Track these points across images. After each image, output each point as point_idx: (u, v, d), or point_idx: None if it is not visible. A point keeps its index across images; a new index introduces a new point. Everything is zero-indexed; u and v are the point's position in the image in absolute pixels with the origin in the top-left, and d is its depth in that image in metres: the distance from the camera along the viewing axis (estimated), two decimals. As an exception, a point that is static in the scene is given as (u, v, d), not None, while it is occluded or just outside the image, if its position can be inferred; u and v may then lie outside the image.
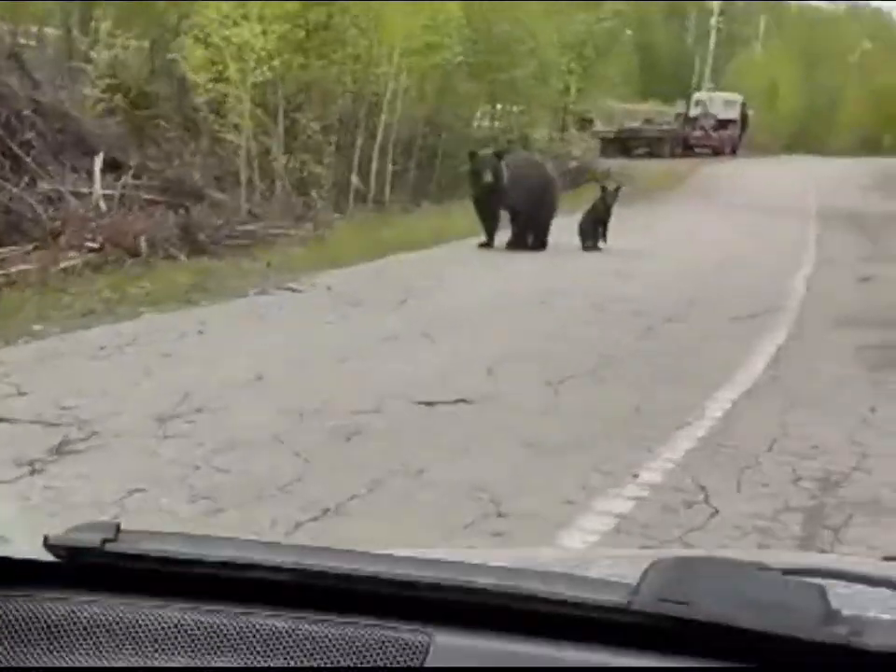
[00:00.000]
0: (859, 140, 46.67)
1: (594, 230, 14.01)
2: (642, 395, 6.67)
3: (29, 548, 1.22)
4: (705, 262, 12.94)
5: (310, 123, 18.19)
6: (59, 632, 1.16)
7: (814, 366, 7.73)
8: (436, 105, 21.68)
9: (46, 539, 1.23)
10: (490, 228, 13.67)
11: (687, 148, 39.68)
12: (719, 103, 42.12)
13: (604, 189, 14.62)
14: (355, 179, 18.53)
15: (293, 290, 9.77)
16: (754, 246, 14.64)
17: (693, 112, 41.57)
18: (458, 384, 6.67)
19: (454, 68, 20.79)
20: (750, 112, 43.70)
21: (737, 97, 42.76)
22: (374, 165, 19.13)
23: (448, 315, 8.97)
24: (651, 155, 36.50)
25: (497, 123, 25.92)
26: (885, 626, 1.16)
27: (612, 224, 14.02)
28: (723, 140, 40.79)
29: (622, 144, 37.09)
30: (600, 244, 13.97)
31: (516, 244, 13.71)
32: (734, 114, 41.70)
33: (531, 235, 13.88)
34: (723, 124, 41.01)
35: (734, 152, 41.04)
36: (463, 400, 6.30)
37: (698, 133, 40.53)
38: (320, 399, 6.14)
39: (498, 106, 26.05)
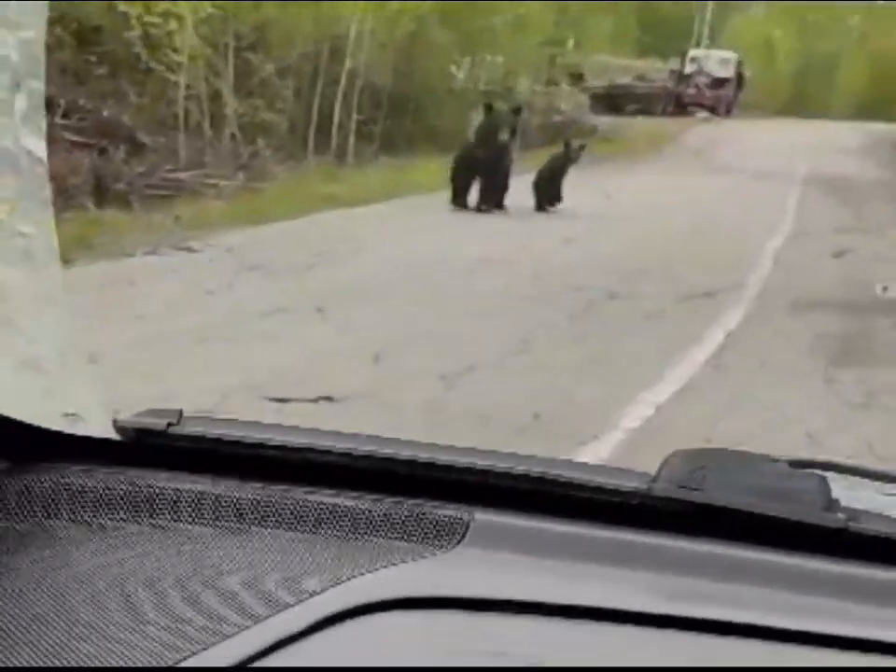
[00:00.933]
0: (857, 104, 45.37)
1: (549, 187, 12.92)
2: (552, 395, 5.60)
3: (101, 428, 1.34)
4: (671, 229, 11.84)
5: (264, 65, 17.04)
6: (122, 503, 1.25)
7: (764, 359, 6.66)
8: (406, 53, 20.44)
9: (115, 421, 1.35)
10: (467, 187, 12.71)
11: (680, 107, 38.38)
12: (714, 61, 40.70)
13: (567, 144, 13.52)
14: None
15: (190, 250, 8.68)
16: (729, 212, 13.56)
17: (688, 69, 40.22)
18: (332, 374, 5.61)
19: (425, 12, 19.60)
20: (747, 73, 42.35)
21: (733, 56, 41.35)
22: (337, 115, 18.01)
23: (356, 285, 7.91)
24: (642, 112, 35.29)
25: (477, 74, 24.72)
26: (881, 515, 1.27)
27: (582, 184, 12.95)
28: (718, 99, 39.45)
29: (612, 100, 35.82)
30: (556, 205, 12.88)
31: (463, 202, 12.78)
32: (729, 73, 40.31)
33: (486, 195, 12.83)
34: (719, 83, 39.64)
35: (728, 112, 39.70)
36: (327, 398, 5.23)
37: (692, 91, 39.20)
38: (152, 389, 5.06)
39: (477, 57, 24.82)
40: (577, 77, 32.89)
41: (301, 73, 17.87)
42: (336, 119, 17.94)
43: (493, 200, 12.69)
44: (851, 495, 1.30)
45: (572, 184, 13.16)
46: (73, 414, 1.37)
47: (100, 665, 0.99)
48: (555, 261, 9.41)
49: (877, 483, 1.44)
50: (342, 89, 17.96)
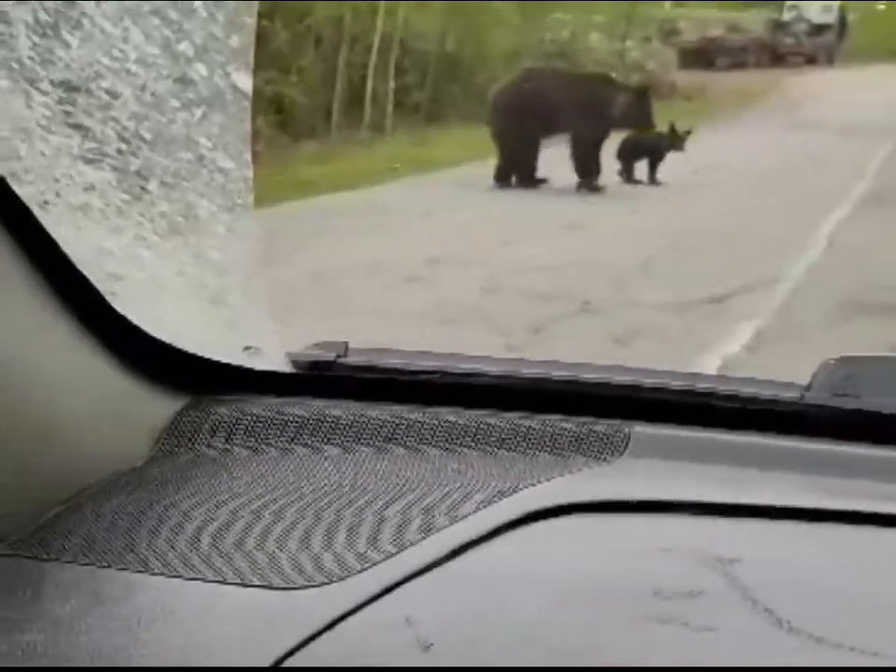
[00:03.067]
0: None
1: (628, 164, 11.81)
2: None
3: (277, 359, 1.43)
4: (709, 209, 9.81)
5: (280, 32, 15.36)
6: (295, 430, 1.36)
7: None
8: (448, 13, 18.59)
9: (288, 354, 1.44)
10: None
11: (778, 58, 35.79)
12: (815, 6, 37.92)
13: (672, 128, 11.96)
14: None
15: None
16: (794, 179, 11.44)
17: (786, 17, 37.53)
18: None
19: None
20: (850, 16, 39.41)
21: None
22: (370, 83, 16.28)
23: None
24: (736, 66, 32.94)
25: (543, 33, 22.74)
26: None
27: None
28: (817, 48, 36.71)
29: (703, 55, 33.51)
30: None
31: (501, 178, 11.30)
32: (830, 18, 37.52)
33: (516, 171, 11.15)
34: (818, 30, 36.90)
35: (830, 61, 36.92)
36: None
37: (790, 40, 36.53)
38: None
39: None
40: (671, 33, 31.00)
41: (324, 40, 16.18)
42: (369, 86, 16.24)
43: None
44: None
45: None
46: (252, 348, 1.45)
47: (269, 581, 1.08)
48: (529, 259, 7.51)
49: None
50: (374, 54, 16.25)
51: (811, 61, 35.43)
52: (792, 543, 1.16)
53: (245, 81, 1.48)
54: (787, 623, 1.02)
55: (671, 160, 11.77)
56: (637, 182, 11.92)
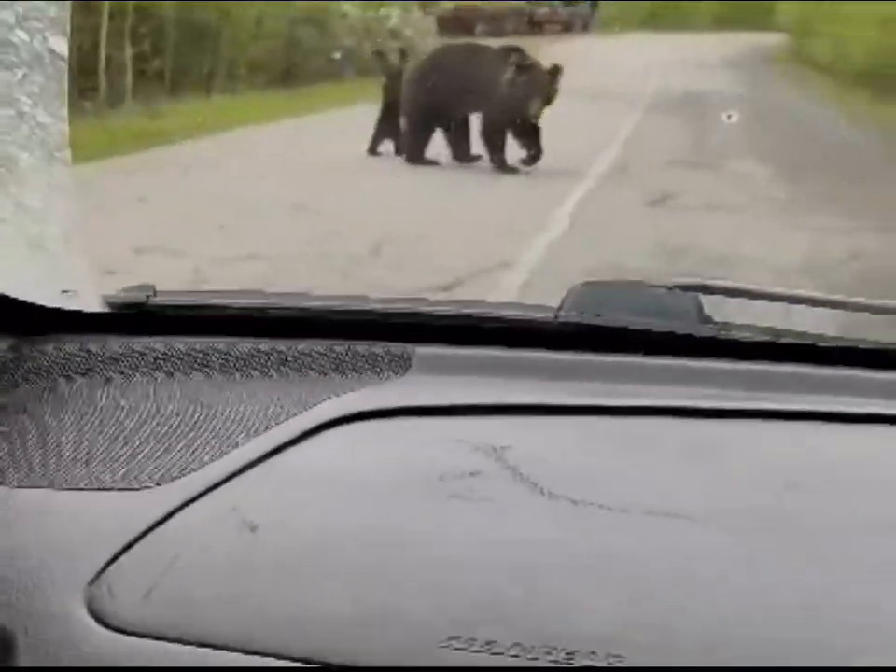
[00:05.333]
0: (715, 16, 43.31)
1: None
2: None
3: (92, 301, 1.58)
4: (437, 185, 9.31)
5: None
6: (114, 365, 1.49)
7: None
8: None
9: (104, 296, 1.59)
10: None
11: (534, 26, 35.98)
12: (571, -25, 38.36)
13: None
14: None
15: None
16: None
17: (544, -15, 37.83)
18: None
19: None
20: (605, -16, 40.07)
21: (589, -32, 39.01)
22: (103, 51, 15.17)
23: None
24: (492, 34, 32.87)
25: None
26: (746, 325, 1.61)
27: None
28: (573, 16, 37.06)
29: (461, 22, 33.29)
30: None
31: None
32: (585, -13, 38.04)
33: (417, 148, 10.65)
34: (573, -1, 37.35)
35: (585, 28, 37.37)
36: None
37: (545, 9, 36.82)
38: None
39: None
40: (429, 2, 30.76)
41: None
42: (102, 54, 15.11)
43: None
44: (721, 310, 1.64)
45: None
46: (70, 291, 1.57)
47: (101, 484, 1.22)
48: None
49: (742, 299, 1.69)
50: (105, 18, 15.14)
51: (567, 29, 35.72)
52: (549, 432, 1.42)
53: (62, 46, 1.62)
54: (548, 491, 1.28)
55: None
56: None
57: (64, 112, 1.66)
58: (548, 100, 10.98)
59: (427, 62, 12.04)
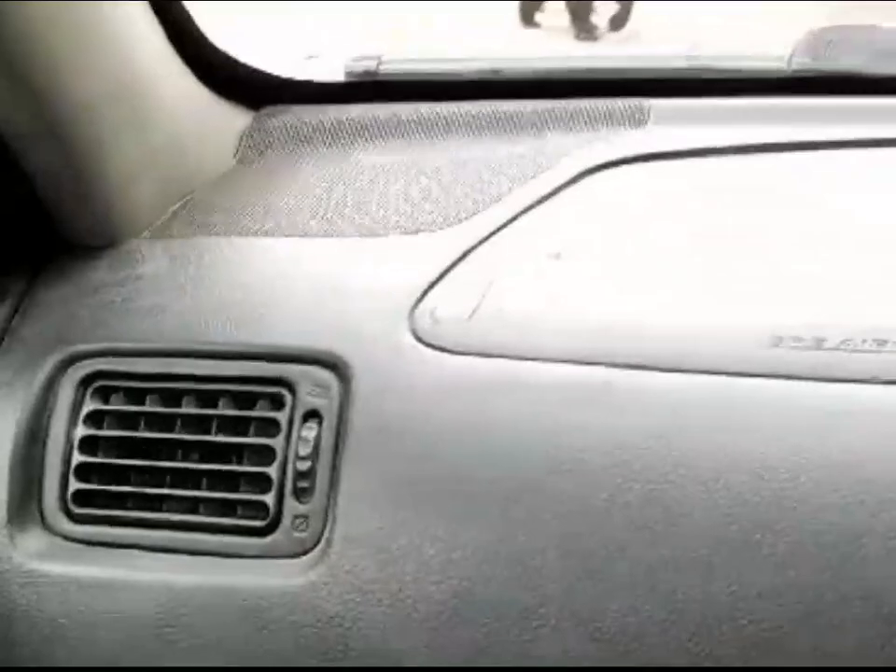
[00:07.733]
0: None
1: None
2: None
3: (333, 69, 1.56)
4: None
5: None
6: (360, 128, 1.48)
7: None
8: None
9: (345, 66, 1.55)
10: None
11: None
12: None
13: None
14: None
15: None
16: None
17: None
18: None
19: None
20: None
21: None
22: None
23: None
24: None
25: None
26: None
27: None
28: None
29: None
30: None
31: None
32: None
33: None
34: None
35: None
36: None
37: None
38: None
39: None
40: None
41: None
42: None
43: None
44: None
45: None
46: (313, 56, 1.61)
47: (403, 230, 1.26)
48: None
49: None
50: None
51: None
52: (794, 165, 1.35)
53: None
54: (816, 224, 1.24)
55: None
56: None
57: None
58: None
59: None
